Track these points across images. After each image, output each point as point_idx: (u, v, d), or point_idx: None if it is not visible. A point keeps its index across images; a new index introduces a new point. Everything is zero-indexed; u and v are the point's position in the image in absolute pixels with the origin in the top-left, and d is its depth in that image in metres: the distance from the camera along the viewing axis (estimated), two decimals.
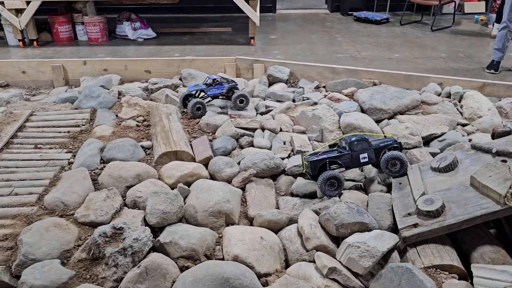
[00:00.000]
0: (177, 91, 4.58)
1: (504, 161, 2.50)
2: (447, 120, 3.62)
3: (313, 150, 3.27)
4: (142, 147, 3.45)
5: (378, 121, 3.81)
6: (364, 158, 2.84)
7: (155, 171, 3.04)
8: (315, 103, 4.06)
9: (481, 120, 3.69)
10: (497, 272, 2.06)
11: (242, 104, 4.00)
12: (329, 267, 2.20)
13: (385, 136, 3.20)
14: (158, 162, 3.20)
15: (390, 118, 3.85)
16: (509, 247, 2.38)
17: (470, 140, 3.30)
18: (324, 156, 2.82)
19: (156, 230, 2.56)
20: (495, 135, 2.75)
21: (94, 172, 3.09)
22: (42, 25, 6.42)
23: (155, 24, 7.93)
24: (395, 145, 2.90)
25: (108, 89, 4.52)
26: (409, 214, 2.42)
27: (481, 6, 9.22)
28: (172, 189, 2.86)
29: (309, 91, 4.51)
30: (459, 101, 4.16)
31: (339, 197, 2.75)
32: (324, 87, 4.71)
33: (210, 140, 3.51)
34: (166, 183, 2.94)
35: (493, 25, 7.87)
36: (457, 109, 4.00)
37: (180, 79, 4.95)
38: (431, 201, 2.38)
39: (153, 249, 2.41)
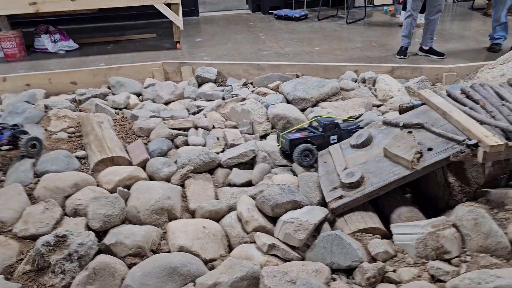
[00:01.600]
0: (106, 100, 4.57)
1: (410, 132, 2.85)
2: (363, 103, 3.97)
3: (245, 141, 3.47)
4: (77, 157, 3.44)
5: (303, 110, 4.09)
6: (334, 139, 3.25)
7: (92, 178, 3.06)
8: (244, 99, 4.26)
9: (393, 100, 4.10)
10: (410, 227, 2.38)
11: (35, 150, 3.24)
12: (268, 244, 2.40)
13: (348, 121, 3.63)
14: (95, 170, 3.23)
15: (313, 106, 4.14)
16: (422, 207, 2.72)
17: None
18: (300, 136, 3.20)
19: (101, 235, 2.61)
20: (401, 111, 3.10)
21: (29, 187, 3.05)
22: None
23: (76, 35, 7.73)
24: (359, 127, 3.32)
25: (33, 104, 4.40)
26: (335, 188, 2.68)
27: None
28: (112, 193, 2.91)
29: (237, 88, 4.71)
30: (373, 85, 4.57)
31: (313, 166, 3.12)
32: (251, 83, 4.92)
33: (145, 143, 3.58)
34: (105, 189, 2.98)
35: (400, 14, 8.55)
36: (372, 92, 4.39)
37: (109, 88, 4.93)
38: (352, 174, 2.66)
39: (100, 252, 2.46)
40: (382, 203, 2.73)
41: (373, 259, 2.33)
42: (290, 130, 3.25)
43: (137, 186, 2.96)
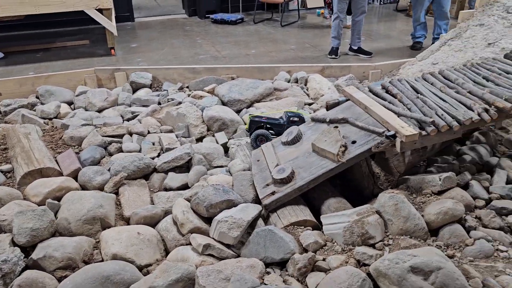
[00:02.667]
0: (34, 110, 4.38)
1: (336, 127, 3.00)
2: (295, 102, 4.11)
3: (181, 145, 3.47)
4: (2, 171, 3.28)
5: (238, 111, 4.16)
6: None
7: (18, 192, 2.93)
8: (180, 103, 4.26)
9: (323, 98, 4.28)
10: (338, 217, 2.50)
11: None
12: (203, 245, 2.42)
13: None
14: (21, 183, 3.09)
15: (248, 107, 4.22)
16: (350, 197, 2.87)
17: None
18: (264, 120, 3.35)
19: (28, 250, 2.51)
20: (328, 107, 3.25)
21: None
22: None
23: (2, 43, 7.34)
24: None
25: None
26: (267, 185, 2.76)
27: (321, 1, 10.34)
28: (40, 206, 2.80)
29: (173, 93, 4.69)
30: (305, 84, 4.73)
31: None
32: (187, 87, 4.92)
33: (77, 153, 3.48)
34: (33, 202, 2.86)
35: (330, 16, 8.90)
36: (304, 91, 4.55)
37: (37, 97, 4.73)
38: (282, 170, 2.75)
39: (27, 268, 2.36)
40: (313, 196, 2.85)
41: (304, 250, 2.43)
42: (261, 115, 3.45)
43: (67, 197, 2.87)
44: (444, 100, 2.93)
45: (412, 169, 3.06)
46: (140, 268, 2.42)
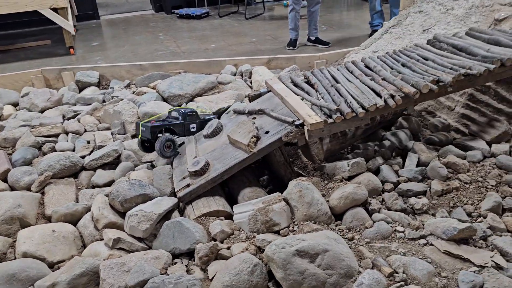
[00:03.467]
0: None
1: (254, 118, 3.06)
2: (234, 95, 4.17)
3: (114, 140, 3.52)
4: None
5: (179, 106, 4.21)
6: (193, 128, 3.29)
7: None
8: (121, 100, 4.29)
9: None
10: (245, 206, 2.57)
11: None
12: (113, 239, 2.48)
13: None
14: None
15: (189, 101, 4.27)
16: (275, 186, 2.94)
17: None
18: (163, 123, 3.16)
19: None
20: (250, 99, 3.31)
21: None
22: None
23: None
24: (215, 117, 3.42)
25: None
26: (184, 178, 2.82)
27: None
28: None
29: (118, 90, 4.72)
30: (249, 77, 4.79)
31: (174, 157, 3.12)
32: (134, 84, 4.96)
33: (10, 154, 3.52)
34: None
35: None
36: (247, 84, 4.60)
37: None
38: (197, 162, 2.81)
39: None
40: (232, 186, 2.91)
41: (213, 240, 2.50)
42: (149, 120, 3.25)
43: None
44: (357, 88, 3.00)
45: (334, 156, 3.14)
46: (52, 265, 2.48)
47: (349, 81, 3.13)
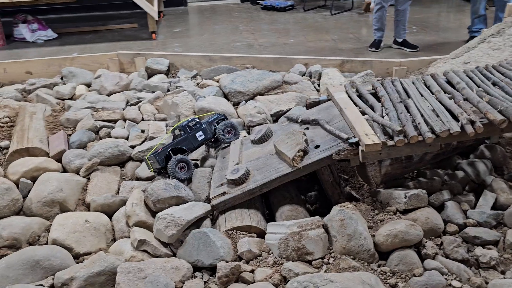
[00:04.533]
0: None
1: (307, 128, 2.78)
2: (297, 97, 3.89)
3: (166, 133, 3.45)
4: (1, 147, 3.49)
5: (238, 103, 4.04)
6: (200, 136, 3.03)
7: None
8: (183, 91, 4.22)
9: None
10: (279, 227, 2.32)
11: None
12: (138, 240, 2.39)
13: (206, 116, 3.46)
14: (9, 160, 3.27)
15: (250, 99, 4.08)
16: (322, 206, 2.66)
17: None
18: (167, 146, 2.91)
19: None
20: (308, 106, 3.02)
21: None
22: None
23: (59, 24, 7.79)
24: (221, 117, 3.16)
25: None
26: (222, 185, 2.64)
27: None
28: (17, 185, 2.95)
29: (184, 80, 4.68)
30: (318, 79, 4.47)
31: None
32: (200, 75, 4.89)
33: (69, 135, 3.61)
34: (10, 180, 3.01)
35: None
36: (314, 86, 4.29)
37: (62, 78, 4.98)
38: (236, 170, 2.61)
39: None
40: (273, 200, 2.68)
41: (239, 258, 2.30)
42: (154, 151, 2.93)
43: (41, 177, 2.98)
44: (431, 107, 2.58)
45: (395, 181, 2.77)
46: (78, 256, 2.45)
47: (423, 97, 2.71)
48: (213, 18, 8.99)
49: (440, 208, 2.45)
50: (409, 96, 2.77)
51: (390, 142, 2.33)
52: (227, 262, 2.20)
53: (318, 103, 2.98)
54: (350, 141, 2.41)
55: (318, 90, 4.30)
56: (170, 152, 2.88)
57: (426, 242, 2.22)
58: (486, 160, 2.81)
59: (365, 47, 6.43)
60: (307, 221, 2.30)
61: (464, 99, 2.62)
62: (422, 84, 2.90)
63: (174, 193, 2.59)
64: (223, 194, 2.57)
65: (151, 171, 2.94)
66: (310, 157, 2.50)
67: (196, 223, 2.51)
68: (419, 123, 2.40)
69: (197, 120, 3.04)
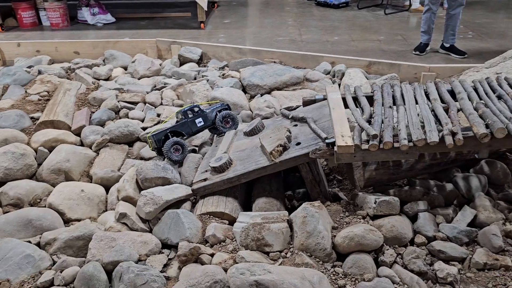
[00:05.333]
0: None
1: (296, 125, 2.82)
2: (313, 95, 3.89)
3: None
4: (33, 118, 3.88)
5: (254, 96, 4.13)
6: (200, 122, 3.18)
7: (24, 136, 3.45)
8: (207, 81, 4.39)
9: None
10: (246, 216, 2.41)
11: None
12: (120, 213, 2.58)
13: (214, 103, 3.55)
14: (36, 129, 3.63)
15: (267, 93, 4.15)
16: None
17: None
18: (165, 128, 3.10)
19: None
20: (304, 103, 3.05)
21: None
22: (10, 11, 6.89)
23: (115, 9, 8.26)
24: (224, 107, 3.27)
25: (29, 68, 4.96)
26: (206, 171, 2.77)
27: None
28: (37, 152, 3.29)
29: (212, 70, 4.85)
30: (341, 79, 4.43)
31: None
32: (227, 66, 5.03)
33: (93, 112, 3.91)
34: (31, 147, 3.35)
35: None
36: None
37: (104, 60, 5.35)
38: (220, 158, 2.72)
39: None
40: (253, 192, 2.76)
41: (205, 241, 2.41)
42: (158, 130, 3.11)
43: (56, 148, 3.29)
44: (421, 115, 2.52)
45: (381, 187, 2.74)
46: (68, 221, 2.70)
47: (417, 104, 2.65)
48: (265, 12, 9.07)
49: (413, 218, 2.40)
50: (404, 102, 2.71)
51: (364, 146, 2.32)
52: (191, 243, 2.32)
53: (313, 101, 2.99)
54: (327, 141, 2.42)
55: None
56: (169, 134, 3.03)
57: (387, 249, 2.20)
58: (482, 176, 2.68)
59: (410, 50, 6.21)
60: (273, 214, 2.36)
61: (459, 110, 2.52)
62: (422, 91, 2.82)
63: (161, 174, 2.76)
64: (205, 180, 2.69)
65: (151, 149, 3.13)
66: (289, 153, 2.55)
67: (177, 204, 2.66)
68: (399, 130, 2.36)
69: (199, 106, 3.18)
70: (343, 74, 4.44)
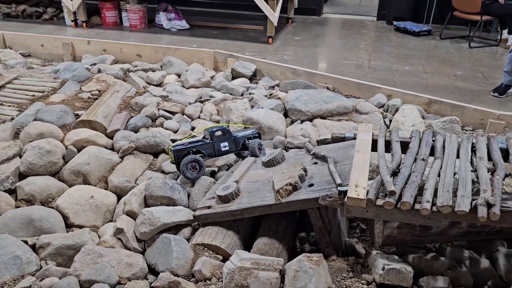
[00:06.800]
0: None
1: (316, 163, 2.56)
2: (353, 128, 3.59)
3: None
4: (77, 115, 4.00)
5: (294, 121, 3.91)
6: (225, 146, 3.03)
7: (60, 133, 3.55)
8: (249, 100, 4.25)
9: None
10: (238, 257, 2.19)
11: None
12: (117, 227, 2.51)
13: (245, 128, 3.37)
14: (75, 127, 3.72)
15: (308, 120, 3.91)
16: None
17: None
18: (188, 146, 2.98)
19: None
20: (332, 140, 2.77)
21: (23, 127, 3.70)
22: (96, 9, 7.37)
23: (190, 16, 8.45)
24: (255, 134, 3.10)
25: (90, 66, 5.17)
26: (213, 198, 2.60)
27: None
28: (67, 148, 3.36)
29: (260, 88, 4.70)
30: (393, 114, 4.05)
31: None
32: (278, 85, 4.85)
33: (132, 117, 3.94)
34: (64, 144, 3.42)
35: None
36: (384, 122, 3.91)
37: (161, 66, 5.44)
38: (227, 187, 2.54)
39: (14, 191, 2.91)
40: (260, 229, 2.54)
41: (192, 275, 2.25)
42: (182, 143, 2.99)
43: (84, 149, 3.33)
44: (459, 176, 2.14)
45: (406, 248, 2.39)
46: (71, 226, 2.68)
47: (458, 160, 2.27)
48: (339, 32, 8.79)
49: None
50: (444, 155, 2.34)
51: (379, 202, 2.01)
52: (175, 275, 2.16)
53: (343, 139, 2.71)
54: (339, 188, 2.15)
55: (387, 126, 3.90)
56: (191, 151, 2.93)
57: None
58: None
59: (488, 91, 5.60)
60: (267, 260, 2.13)
61: (507, 176, 2.11)
62: (469, 146, 2.42)
63: (167, 193, 2.65)
64: (208, 207, 2.53)
65: (170, 161, 3.03)
66: (298, 194, 2.31)
67: (177, 227, 2.53)
68: (425, 189, 2.02)
69: (229, 130, 3.04)
70: (396, 110, 4.05)
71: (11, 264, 2.25)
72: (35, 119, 3.81)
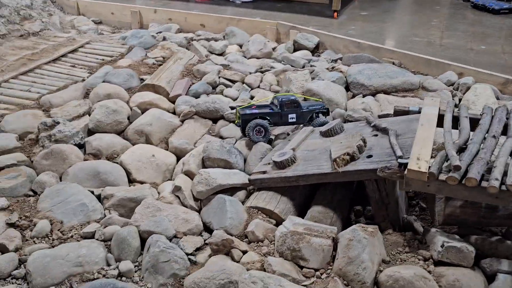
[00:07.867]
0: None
1: (376, 135, 2.48)
2: (417, 105, 3.42)
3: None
4: (142, 79, 4.14)
5: (356, 95, 3.79)
6: (292, 118, 3.03)
7: (125, 94, 3.71)
8: (311, 72, 4.17)
9: None
10: (291, 222, 2.20)
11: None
12: (176, 185, 2.60)
13: (316, 101, 3.30)
14: (140, 90, 3.86)
15: (371, 94, 3.77)
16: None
17: None
18: (256, 111, 3.01)
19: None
20: (395, 113, 2.66)
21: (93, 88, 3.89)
22: None
23: None
24: (323, 109, 3.07)
25: (156, 34, 5.31)
26: (269, 164, 2.62)
27: None
28: (129, 109, 3.51)
29: (323, 61, 4.60)
30: (464, 93, 3.80)
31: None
32: (341, 59, 4.71)
33: (193, 83, 4.02)
34: (129, 106, 3.58)
35: None
36: (453, 100, 3.68)
37: (224, 36, 5.47)
38: (283, 154, 2.54)
39: (84, 145, 3.10)
40: (316, 197, 2.53)
41: (245, 236, 2.29)
42: (250, 105, 3.00)
43: (148, 111, 3.45)
44: None
45: (468, 228, 2.27)
46: (134, 181, 2.81)
47: None
48: (410, 8, 8.35)
49: (491, 278, 1.92)
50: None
51: (442, 177, 1.91)
52: (229, 234, 2.22)
53: (407, 112, 2.59)
54: (399, 160, 2.07)
55: (456, 106, 3.67)
56: (258, 117, 2.96)
57: None
58: None
59: None
60: (320, 227, 2.12)
61: None
62: None
63: (224, 156, 2.69)
64: (264, 172, 2.55)
65: (235, 122, 3.10)
66: (356, 164, 2.25)
67: (232, 190, 2.58)
68: (495, 167, 1.89)
69: (297, 102, 3.02)
70: (468, 88, 3.80)
71: (78, 210, 2.41)
72: (103, 81, 3.99)
